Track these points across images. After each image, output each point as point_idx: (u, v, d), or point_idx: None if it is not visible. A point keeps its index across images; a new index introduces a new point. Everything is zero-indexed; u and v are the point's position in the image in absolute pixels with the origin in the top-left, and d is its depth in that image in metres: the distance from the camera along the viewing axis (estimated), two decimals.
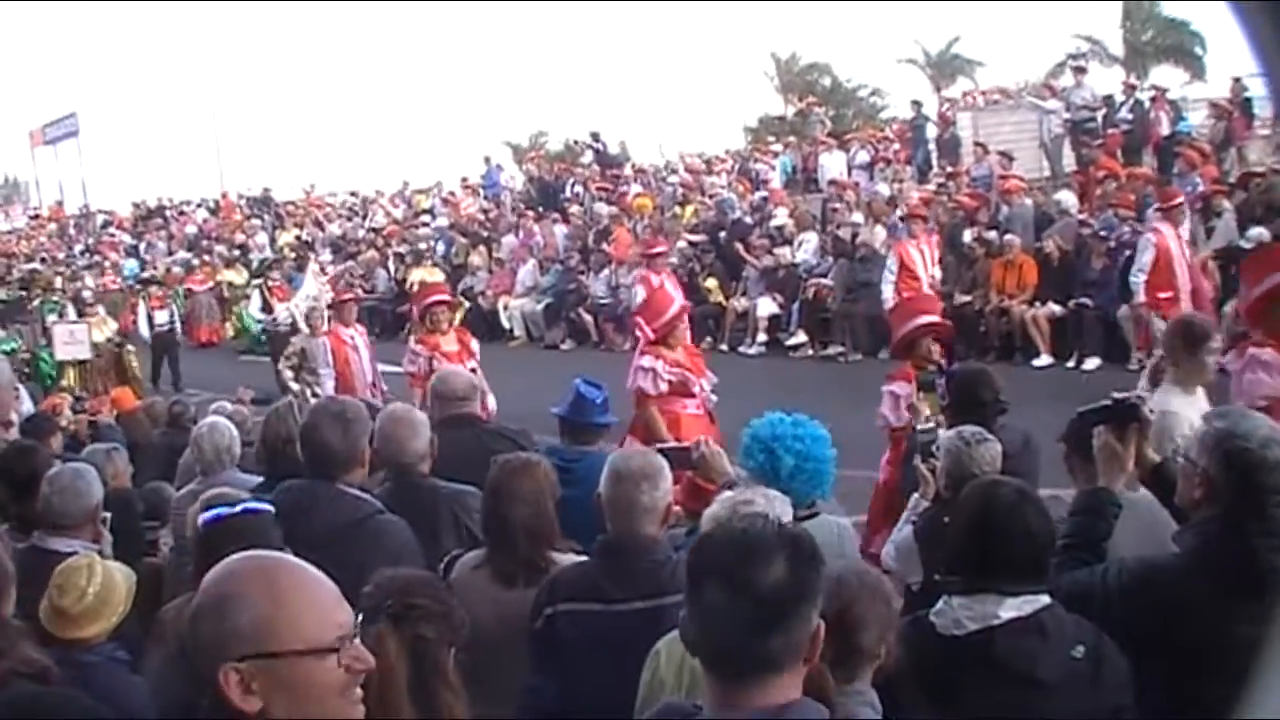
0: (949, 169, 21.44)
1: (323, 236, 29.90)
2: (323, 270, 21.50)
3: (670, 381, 8.82)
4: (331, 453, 4.53)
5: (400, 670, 2.92)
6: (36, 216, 49.29)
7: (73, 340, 18.57)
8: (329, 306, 13.99)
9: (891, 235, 17.55)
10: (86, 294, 21.83)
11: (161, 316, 21.33)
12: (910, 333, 7.94)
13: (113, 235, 37.31)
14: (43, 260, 34.84)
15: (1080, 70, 23.82)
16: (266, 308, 19.41)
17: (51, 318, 20.85)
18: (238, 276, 25.95)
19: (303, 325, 15.38)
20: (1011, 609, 3.33)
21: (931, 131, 24.42)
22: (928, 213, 17.18)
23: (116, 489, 5.87)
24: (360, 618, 2.31)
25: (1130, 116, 20.98)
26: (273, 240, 30.08)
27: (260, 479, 5.77)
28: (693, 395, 8.98)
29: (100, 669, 4.02)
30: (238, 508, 3.84)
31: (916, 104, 26.13)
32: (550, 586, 4.00)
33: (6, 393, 7.16)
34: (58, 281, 26.04)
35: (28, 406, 10.45)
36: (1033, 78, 33.73)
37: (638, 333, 9.58)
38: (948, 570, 3.57)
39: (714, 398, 9.12)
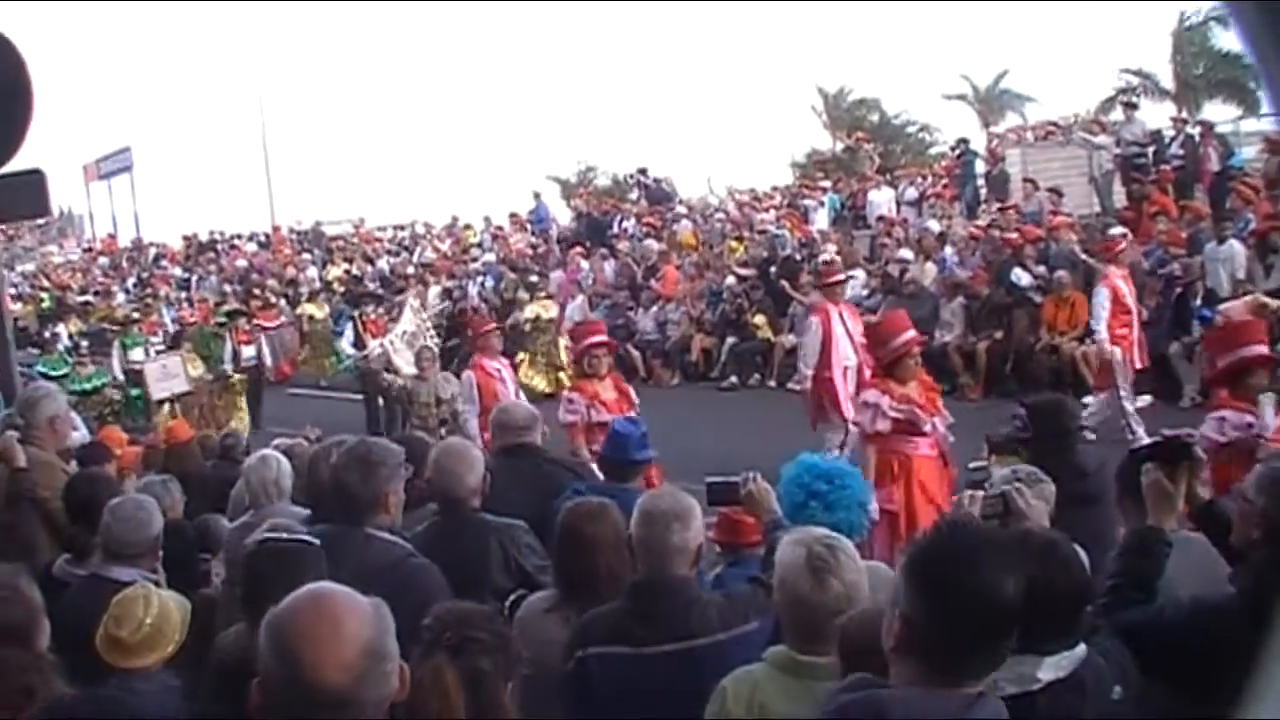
0: (998, 204, 21.35)
1: (371, 271, 30.10)
2: (423, 306, 20.32)
3: (896, 419, 8.29)
4: (353, 497, 4.51)
5: (457, 702, 2.94)
6: (90, 249, 50.05)
7: (166, 375, 17.77)
8: (473, 340, 13.35)
9: (942, 271, 17.51)
10: (172, 328, 21.37)
11: (249, 351, 19.73)
12: (1238, 363, 7.35)
13: (164, 268, 37.75)
14: (96, 293, 35.34)
15: (1131, 106, 23.67)
16: (359, 343, 18.30)
17: (135, 353, 19.83)
18: (318, 310, 25.14)
19: (398, 362, 15.32)
20: (1050, 670, 3.26)
21: (980, 167, 24.36)
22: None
23: (172, 520, 5.93)
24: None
25: (1181, 152, 20.78)
26: (322, 275, 30.28)
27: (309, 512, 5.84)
28: (924, 434, 8.39)
29: (155, 697, 4.07)
30: (289, 536, 3.91)
31: (963, 140, 26.07)
32: (582, 629, 3.99)
33: (63, 423, 7.26)
34: (121, 314, 25.67)
35: (82, 434, 10.53)
36: (1082, 113, 33.64)
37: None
38: None
39: (950, 437, 8.54)
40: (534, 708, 3.24)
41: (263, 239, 40.35)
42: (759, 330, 19.61)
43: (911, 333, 8.88)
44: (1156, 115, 26.28)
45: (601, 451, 6.28)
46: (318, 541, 3.89)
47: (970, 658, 2.58)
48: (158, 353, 19.60)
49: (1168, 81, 36.99)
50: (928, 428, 8.36)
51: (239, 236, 41.96)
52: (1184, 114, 27.34)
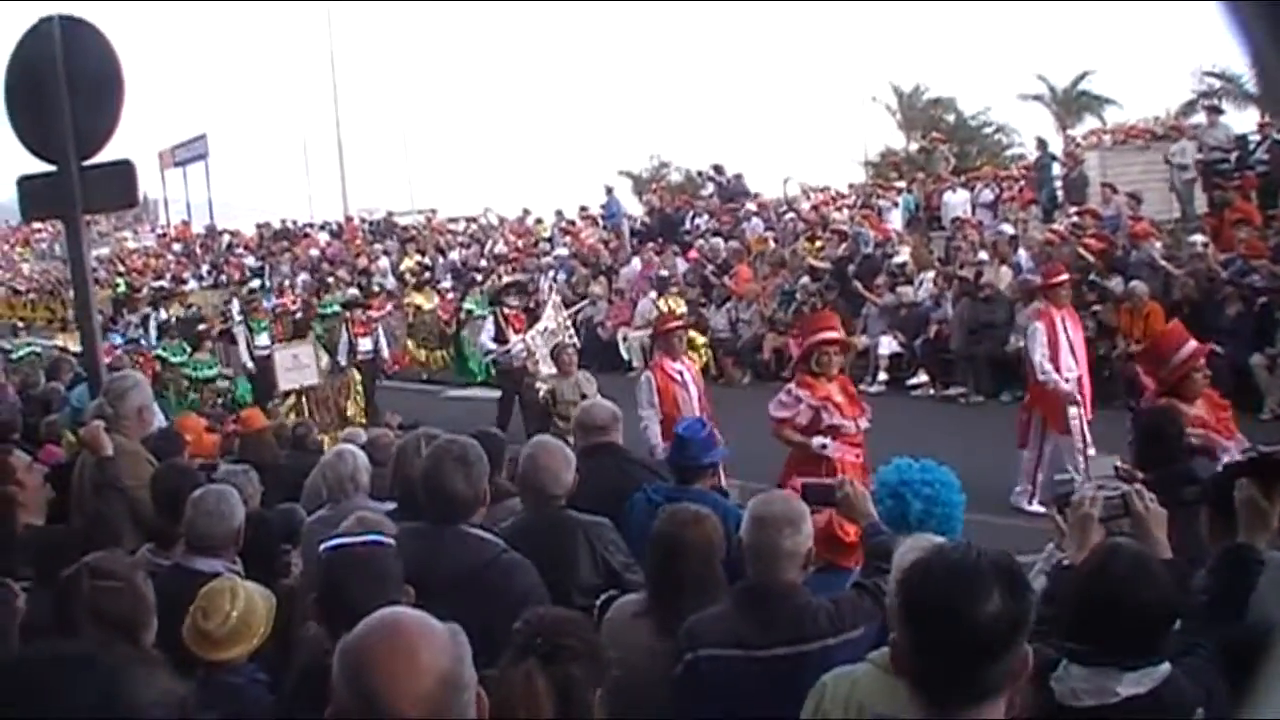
0: (1075, 209, 21.10)
1: (444, 263, 30.29)
2: (565, 304, 19.25)
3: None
4: (455, 497, 4.53)
5: (547, 708, 2.96)
6: (164, 235, 50.80)
7: (296, 365, 16.78)
8: (655, 336, 12.49)
9: (1018, 275, 17.36)
10: (300, 316, 20.56)
11: (365, 344, 18.90)
12: None
13: (238, 255, 38.19)
14: (171, 278, 35.83)
15: (1215, 110, 23.27)
16: (500, 338, 17.13)
17: (262, 339, 19.54)
18: (426, 300, 24.38)
19: (543, 362, 14.79)
20: (1130, 685, 3.23)
21: (1057, 170, 24.09)
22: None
23: (255, 511, 6.01)
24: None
25: (1266, 158, 20.40)
26: (395, 265, 30.49)
27: (393, 505, 5.89)
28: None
29: (243, 690, 4.13)
30: (360, 539, 3.87)
31: (1042, 142, 25.77)
32: (691, 632, 4.02)
33: (150, 413, 7.37)
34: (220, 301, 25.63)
35: (160, 422, 10.67)
36: (1163, 115, 33.15)
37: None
38: (1064, 636, 3.51)
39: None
40: (621, 712, 3.26)
41: (335, 228, 40.72)
42: None
43: (1193, 344, 7.88)
44: (1240, 120, 25.83)
45: (669, 455, 6.28)
46: (392, 542, 3.89)
47: (951, 684, 2.51)
48: (288, 340, 18.89)
49: (1252, 85, 36.35)
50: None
51: (311, 225, 42.39)
52: (1268, 118, 26.84)
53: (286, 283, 30.90)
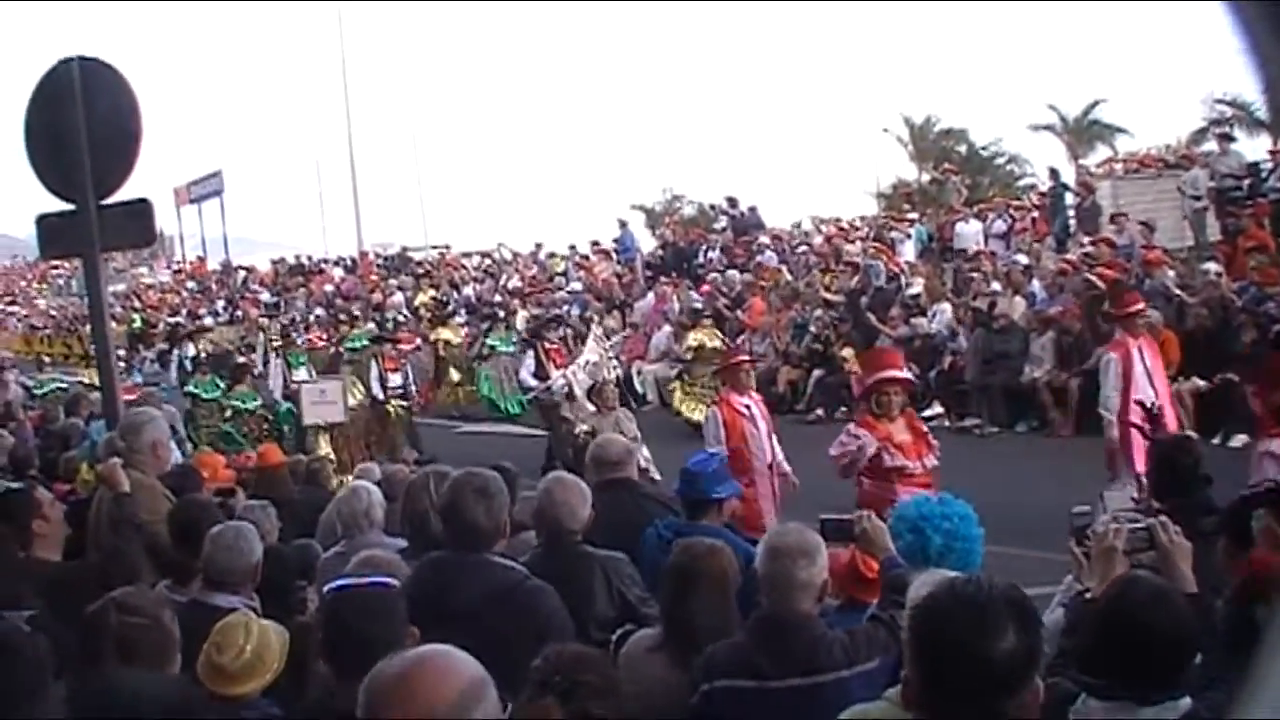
0: (1088, 238, 21.09)
1: (458, 298, 30.38)
2: (607, 336, 18.85)
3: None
4: (476, 528, 4.57)
5: None
6: (179, 271, 51.12)
7: (323, 400, 16.42)
8: (720, 371, 12.18)
9: (1032, 305, 17.35)
10: (332, 351, 20.50)
11: (395, 379, 18.55)
12: None
13: (254, 291, 38.36)
14: (188, 314, 36.01)
15: (1227, 138, 23.27)
16: (541, 373, 16.70)
17: (300, 373, 19.33)
18: (454, 335, 24.26)
19: (580, 396, 14.38)
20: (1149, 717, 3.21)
21: (1070, 200, 24.08)
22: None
23: (270, 546, 6.02)
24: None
25: (1278, 184, 20.39)
26: (409, 300, 30.59)
27: (405, 543, 5.93)
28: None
29: None
30: (365, 580, 3.88)
31: (1054, 171, 25.78)
32: (707, 663, 4.03)
33: (165, 448, 7.40)
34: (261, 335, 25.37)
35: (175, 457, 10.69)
36: (1174, 143, 33.13)
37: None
38: (1083, 669, 3.50)
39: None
40: None
41: (349, 263, 40.89)
42: (846, 363, 19.49)
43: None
44: (1252, 147, 25.83)
45: (677, 489, 6.27)
46: (397, 584, 3.90)
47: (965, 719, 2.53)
48: (320, 374, 18.83)
49: (1263, 112, 36.36)
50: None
51: (326, 261, 42.59)
52: None
53: (299, 318, 30.97)
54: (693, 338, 19.74)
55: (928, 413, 17.86)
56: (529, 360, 17.36)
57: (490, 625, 3.81)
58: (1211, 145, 24.13)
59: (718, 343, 19.25)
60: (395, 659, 2.45)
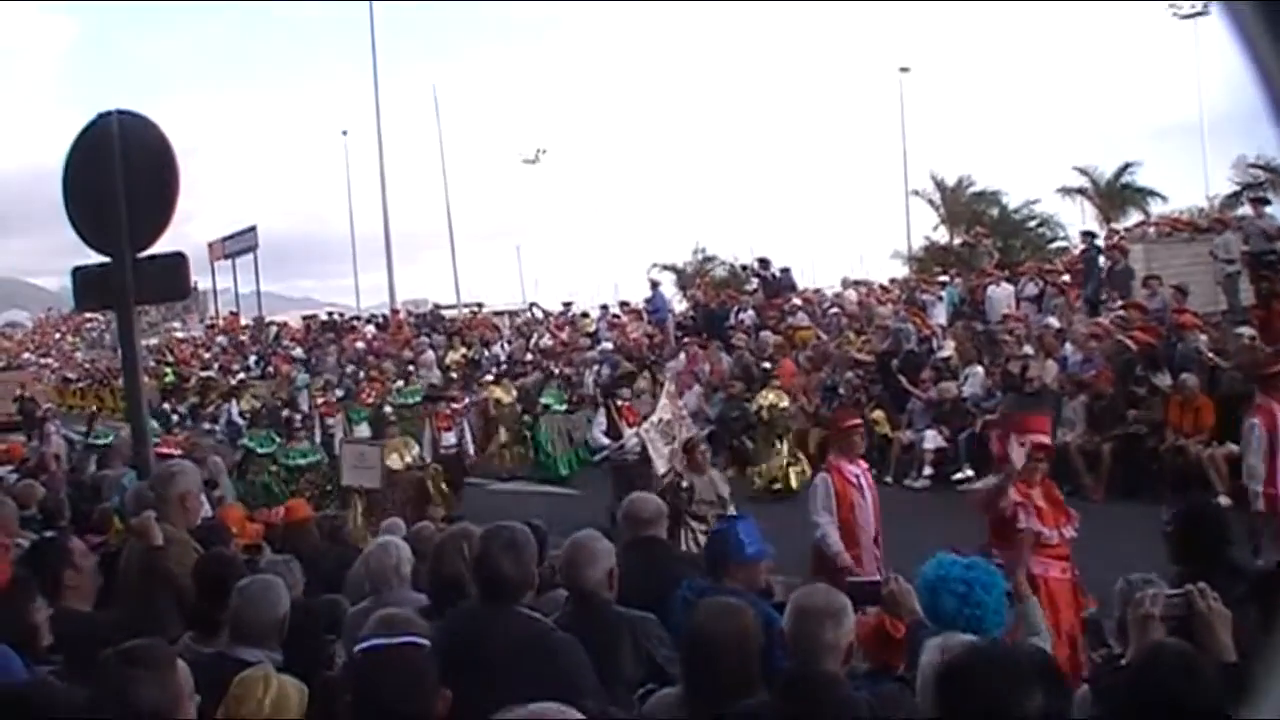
0: (1120, 301, 21.02)
1: (489, 356, 30.47)
2: (679, 392, 17.63)
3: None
4: (504, 578, 4.60)
5: None
6: (212, 326, 51.57)
7: (362, 464, 15.75)
8: (831, 436, 10.85)
9: (1064, 369, 17.27)
10: (387, 409, 19.83)
11: (449, 438, 18.31)
12: None
13: (286, 347, 38.59)
14: (220, 369, 36.26)
15: (1260, 201, 23.19)
16: (613, 432, 16.09)
17: (362, 429, 19.28)
18: (505, 394, 23.94)
19: (653, 454, 13.69)
20: None
21: (1102, 263, 24.02)
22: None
23: (298, 600, 6.01)
24: None
25: None
26: (440, 359, 30.69)
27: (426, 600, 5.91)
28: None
29: None
30: (397, 640, 3.82)
31: (1088, 234, 25.74)
32: None
33: (195, 500, 7.41)
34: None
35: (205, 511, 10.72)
36: (1206, 207, 33.03)
37: None
38: None
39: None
40: None
41: (381, 321, 41.13)
42: (877, 425, 19.39)
43: None
44: None
45: (706, 551, 6.24)
46: (427, 643, 3.86)
47: None
48: (364, 444, 18.00)
49: None
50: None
51: (358, 318, 42.85)
52: None
53: (329, 378, 31.09)
54: (763, 399, 19.17)
55: (958, 475, 17.83)
56: (600, 419, 16.85)
57: (517, 675, 3.81)
58: (1245, 209, 24.02)
59: (787, 402, 18.85)
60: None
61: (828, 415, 20.19)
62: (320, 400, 23.91)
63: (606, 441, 16.23)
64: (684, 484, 11.09)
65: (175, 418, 22.47)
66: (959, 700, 2.55)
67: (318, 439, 20.10)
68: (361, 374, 28.91)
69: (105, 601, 6.50)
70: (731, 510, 9.98)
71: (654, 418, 14.81)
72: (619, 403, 16.58)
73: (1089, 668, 4.99)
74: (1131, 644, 4.09)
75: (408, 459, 16.47)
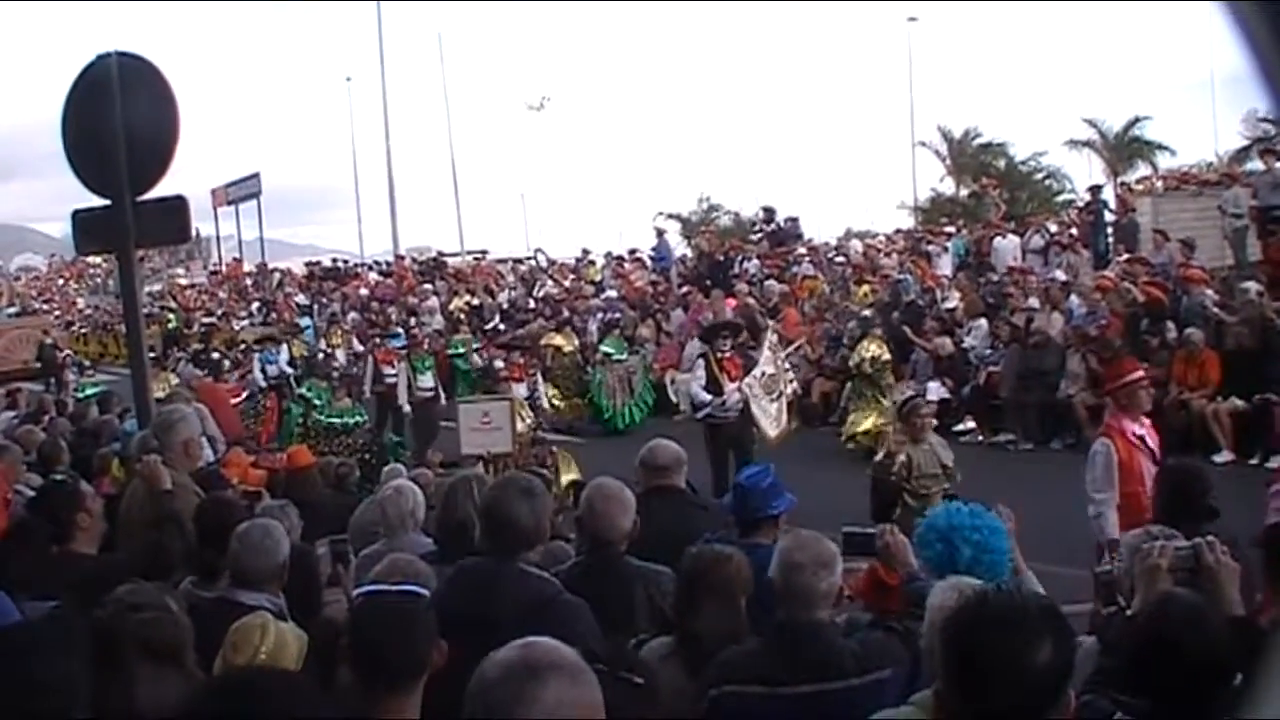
0: (1126, 255, 20.92)
1: (492, 304, 30.40)
2: (780, 341, 16.01)
3: None
4: (519, 529, 4.49)
5: None
6: (216, 273, 51.47)
7: (488, 428, 13.71)
8: (1111, 392, 8.82)
9: (1069, 322, 17.23)
10: (499, 363, 17.52)
11: (520, 390, 16.19)
12: None
13: (289, 294, 38.49)
14: (222, 315, 36.17)
15: (1272, 154, 23.00)
16: (714, 386, 14.03)
17: (425, 379, 18.45)
18: (567, 341, 22.76)
19: (756, 411, 13.00)
20: None
21: (1109, 217, 23.91)
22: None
23: (298, 545, 6.00)
24: None
25: None
26: (444, 306, 30.62)
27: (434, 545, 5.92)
28: None
29: None
30: (395, 587, 3.80)
31: (1095, 188, 25.61)
32: (716, 668, 4.02)
33: (195, 446, 7.44)
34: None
35: (208, 454, 10.69)
36: (1215, 161, 32.90)
37: None
38: (1119, 687, 3.44)
39: None
40: None
41: (385, 268, 41.00)
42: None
43: None
44: None
45: (730, 508, 6.15)
46: (426, 593, 3.82)
47: None
48: (485, 393, 16.29)
49: None
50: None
51: (362, 265, 42.71)
52: None
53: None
54: (863, 349, 17.58)
55: (959, 427, 17.80)
56: (699, 372, 14.75)
57: (525, 636, 3.77)
58: (1254, 164, 23.83)
59: (887, 354, 17.64)
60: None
61: (832, 365, 20.19)
62: (375, 346, 22.52)
63: (708, 397, 14.18)
64: (900, 459, 9.24)
65: (227, 364, 21.61)
66: (967, 650, 2.53)
67: (367, 389, 19.26)
68: (412, 321, 27.96)
69: (106, 546, 6.52)
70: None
71: (756, 371, 13.85)
72: (719, 354, 14.39)
73: (1098, 620, 4.97)
74: (1139, 595, 4.08)
75: (528, 419, 14.94)
